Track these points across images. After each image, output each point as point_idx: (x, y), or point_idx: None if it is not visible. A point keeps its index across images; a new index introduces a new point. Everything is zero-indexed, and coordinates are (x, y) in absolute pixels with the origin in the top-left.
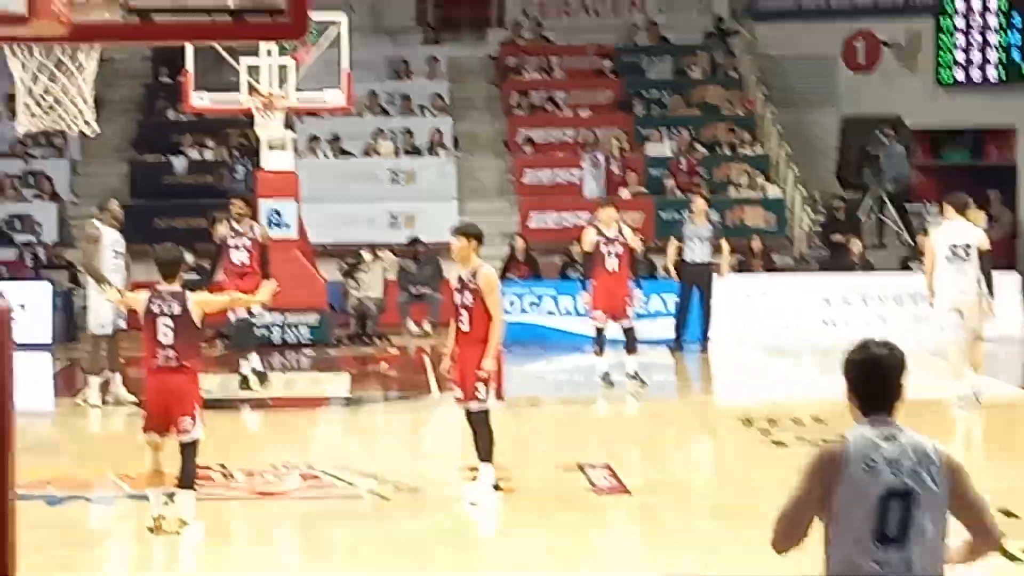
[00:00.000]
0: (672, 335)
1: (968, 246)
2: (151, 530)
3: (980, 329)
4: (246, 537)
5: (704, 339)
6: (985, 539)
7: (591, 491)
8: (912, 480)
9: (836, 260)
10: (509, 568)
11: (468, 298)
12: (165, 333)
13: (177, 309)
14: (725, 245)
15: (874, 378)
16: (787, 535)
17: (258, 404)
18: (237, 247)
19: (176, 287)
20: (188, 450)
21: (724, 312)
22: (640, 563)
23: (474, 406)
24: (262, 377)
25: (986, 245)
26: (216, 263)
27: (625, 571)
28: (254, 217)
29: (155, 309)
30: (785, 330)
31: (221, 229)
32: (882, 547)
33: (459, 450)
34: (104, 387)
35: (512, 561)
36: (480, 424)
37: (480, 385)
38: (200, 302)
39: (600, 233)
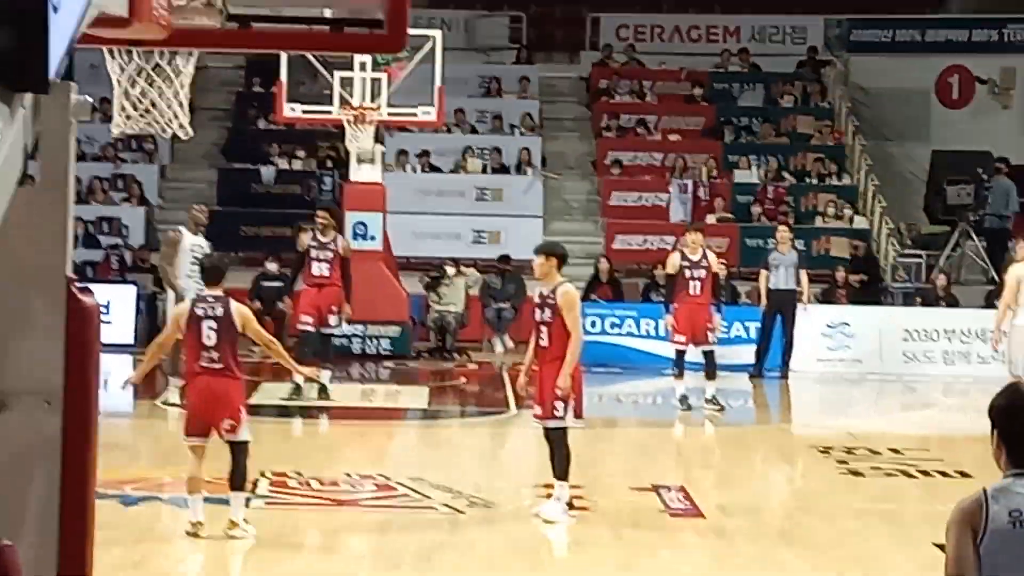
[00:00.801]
0: (752, 361)
1: None
2: (190, 535)
3: None
4: (317, 543)
5: (784, 366)
6: None
7: (665, 513)
8: None
9: (920, 293)
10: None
11: (547, 314)
12: (208, 336)
13: (220, 312)
14: (804, 275)
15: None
16: None
17: (337, 414)
18: (319, 259)
19: (219, 292)
20: (238, 451)
21: (806, 341)
22: None
23: (551, 423)
24: (323, 392)
25: None
26: (296, 272)
27: None
28: (339, 229)
29: (199, 312)
30: (866, 361)
31: (304, 238)
32: None
33: (534, 467)
34: (184, 390)
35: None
36: (557, 442)
37: (558, 403)
38: (245, 315)
39: (685, 257)
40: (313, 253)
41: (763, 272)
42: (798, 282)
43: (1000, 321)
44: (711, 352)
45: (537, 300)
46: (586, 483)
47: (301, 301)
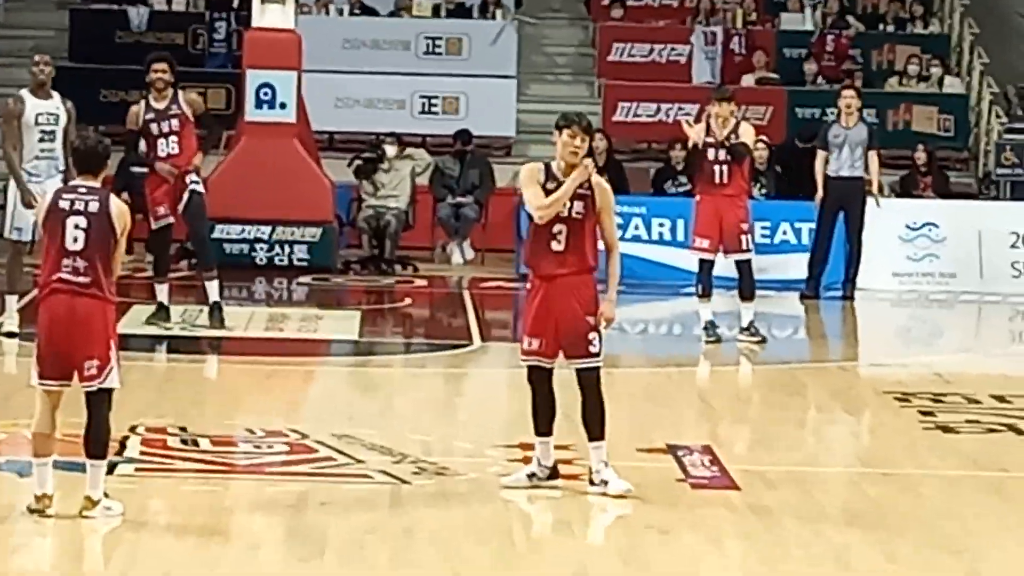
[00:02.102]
0: (805, 276)
1: None
2: (32, 511)
3: None
4: (207, 525)
5: (850, 283)
6: None
7: (684, 482)
8: None
9: None
10: None
11: (577, 209)
12: (75, 237)
13: (95, 207)
14: (875, 158)
15: None
16: None
17: (233, 348)
18: (161, 132)
19: (95, 183)
20: (98, 403)
21: (878, 248)
22: None
23: (584, 363)
24: (215, 314)
25: None
26: (131, 159)
27: None
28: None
29: (64, 205)
30: (961, 276)
31: (135, 110)
32: None
33: (504, 420)
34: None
35: (567, 572)
36: (592, 388)
37: (594, 335)
38: (127, 218)
39: (710, 132)
40: (152, 128)
41: (820, 153)
42: (867, 168)
43: None
44: (747, 263)
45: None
46: (577, 441)
47: (152, 191)
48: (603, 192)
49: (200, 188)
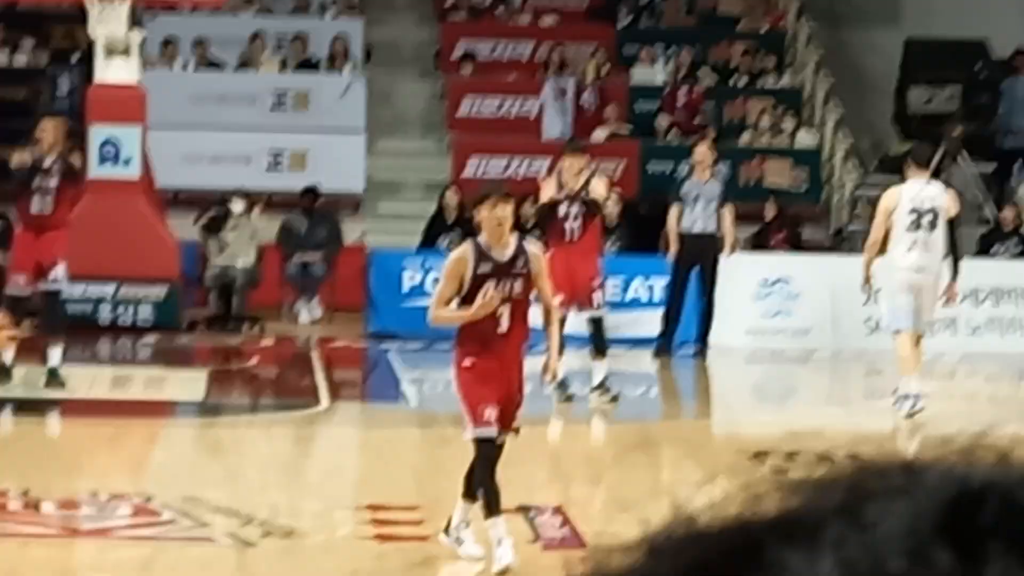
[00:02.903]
0: (658, 333)
1: (932, 213)
2: None
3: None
4: None
5: (702, 341)
6: None
7: (535, 544)
8: None
9: None
10: None
11: (517, 290)
12: None
13: None
14: (729, 213)
15: None
16: None
17: (76, 409)
18: (39, 188)
19: None
20: None
21: (731, 305)
22: None
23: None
24: (52, 378)
25: (955, 210)
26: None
27: None
28: (70, 145)
29: None
30: (814, 332)
31: (17, 158)
32: None
33: (352, 481)
34: None
35: None
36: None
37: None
38: None
39: (562, 188)
40: (35, 182)
41: (673, 208)
42: (720, 224)
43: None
44: (599, 320)
45: (487, 269)
46: (425, 503)
47: (14, 251)
48: (536, 260)
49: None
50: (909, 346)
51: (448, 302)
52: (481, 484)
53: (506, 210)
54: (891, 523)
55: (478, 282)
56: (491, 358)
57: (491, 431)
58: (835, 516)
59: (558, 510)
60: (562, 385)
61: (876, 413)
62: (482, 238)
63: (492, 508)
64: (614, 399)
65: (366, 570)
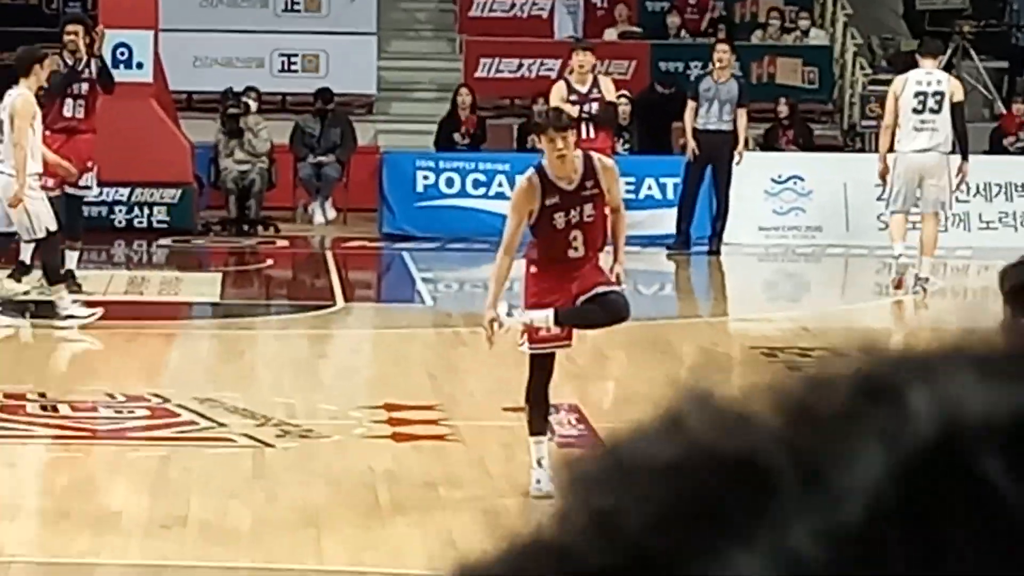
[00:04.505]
0: (673, 231)
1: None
2: None
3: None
4: (68, 491)
5: (716, 238)
6: None
7: (549, 442)
8: None
9: None
10: (424, 543)
11: (588, 212)
12: None
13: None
14: (743, 115)
15: None
16: None
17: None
18: (71, 93)
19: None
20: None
21: (744, 202)
22: None
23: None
24: (57, 279)
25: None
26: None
27: None
28: (93, 51)
29: None
30: (827, 229)
31: (49, 63)
32: None
33: (368, 382)
34: None
35: (429, 535)
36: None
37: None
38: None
39: (571, 88)
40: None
41: (690, 104)
42: (736, 124)
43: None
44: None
45: (554, 198)
46: (442, 401)
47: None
48: (607, 173)
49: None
50: (901, 225)
51: (518, 232)
52: (530, 399)
53: (566, 141)
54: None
55: (547, 213)
56: (562, 279)
57: (544, 348)
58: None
59: (574, 408)
60: None
61: (888, 312)
62: (547, 164)
63: (535, 426)
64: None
65: (382, 469)
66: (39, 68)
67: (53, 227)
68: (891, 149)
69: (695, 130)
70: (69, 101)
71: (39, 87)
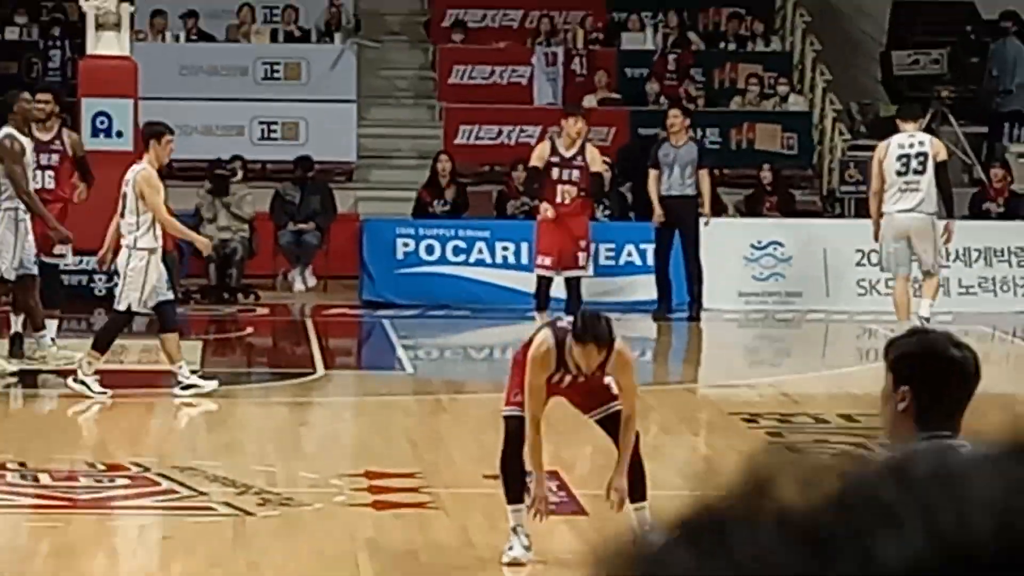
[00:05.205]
0: (655, 297)
1: (922, 156)
2: None
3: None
4: (48, 563)
5: (694, 303)
6: None
7: (531, 509)
8: None
9: None
10: None
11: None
12: None
13: None
14: (705, 177)
15: (955, 386)
16: None
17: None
18: (39, 164)
19: None
20: None
21: (724, 268)
22: None
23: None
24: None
25: (943, 155)
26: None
27: None
28: (65, 121)
29: None
30: (808, 294)
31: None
32: None
33: (348, 449)
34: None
35: None
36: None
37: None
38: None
39: (555, 151)
40: (29, 157)
41: (652, 172)
42: (698, 185)
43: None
44: (577, 281)
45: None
46: (423, 469)
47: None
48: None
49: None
50: (903, 291)
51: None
52: (504, 467)
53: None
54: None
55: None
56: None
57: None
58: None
59: (553, 474)
60: None
61: (869, 378)
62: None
63: (512, 494)
64: None
65: (364, 537)
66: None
67: (136, 307)
68: (881, 214)
69: (661, 196)
70: (38, 173)
71: None
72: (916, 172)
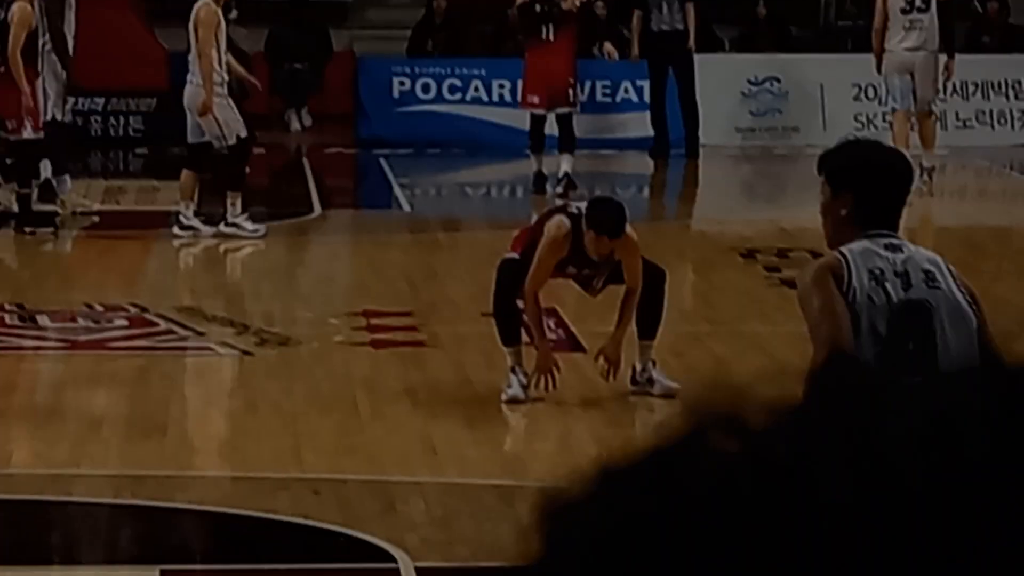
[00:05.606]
0: (651, 133)
1: None
2: None
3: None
4: (46, 402)
5: (692, 141)
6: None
7: (529, 346)
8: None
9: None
10: (404, 449)
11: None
12: None
13: None
14: (691, 9)
15: (891, 187)
16: (834, 339)
17: (70, 223)
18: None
19: None
20: None
21: (720, 104)
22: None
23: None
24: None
25: None
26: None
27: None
28: None
29: None
30: (804, 130)
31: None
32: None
33: (345, 288)
34: None
35: (409, 441)
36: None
37: None
38: None
39: None
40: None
41: (636, 12)
42: (687, 20)
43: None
44: (568, 117)
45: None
46: (418, 308)
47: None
48: (626, 250)
49: None
50: (903, 123)
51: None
52: (497, 308)
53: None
54: None
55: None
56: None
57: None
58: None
59: (551, 311)
60: (538, 178)
61: None
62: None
63: (507, 335)
64: (572, 189)
65: (361, 376)
66: None
67: (244, 133)
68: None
69: (652, 33)
70: None
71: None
72: (920, 10)
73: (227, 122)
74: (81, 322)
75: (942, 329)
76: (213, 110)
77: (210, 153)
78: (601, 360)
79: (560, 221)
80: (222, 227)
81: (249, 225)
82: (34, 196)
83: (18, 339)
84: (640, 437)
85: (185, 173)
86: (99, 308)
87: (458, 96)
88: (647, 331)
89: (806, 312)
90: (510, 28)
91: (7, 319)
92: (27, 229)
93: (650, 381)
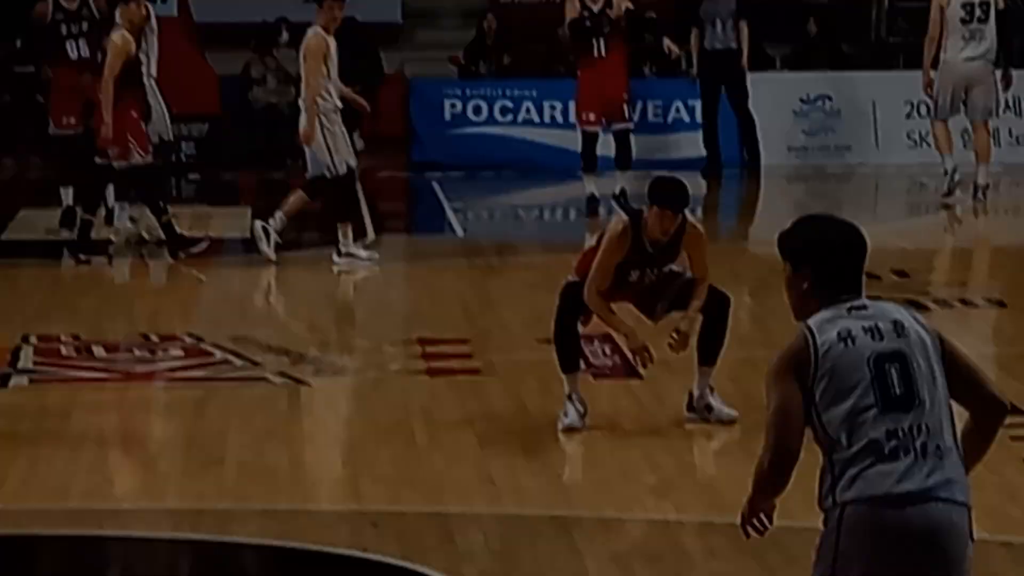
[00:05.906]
0: (703, 153)
1: (985, 4)
2: None
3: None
4: (103, 433)
5: (748, 157)
6: (991, 408)
7: (585, 373)
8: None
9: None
10: (462, 480)
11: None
12: None
13: None
14: (744, 28)
15: (846, 257)
16: (781, 443)
17: (123, 251)
18: (70, 33)
19: None
20: None
21: (773, 123)
22: (635, 469)
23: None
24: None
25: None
26: (40, 56)
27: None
28: None
29: None
30: (856, 148)
31: (39, 7)
32: (890, 413)
33: (403, 316)
34: None
35: (466, 472)
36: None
37: None
38: None
39: (585, 4)
40: (62, 27)
41: (694, 30)
42: (740, 39)
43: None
44: (626, 133)
45: None
46: (473, 335)
47: (55, 95)
48: (692, 241)
49: None
50: (944, 130)
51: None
52: (557, 334)
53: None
54: None
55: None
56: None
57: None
58: None
59: (606, 337)
60: (592, 200)
61: (920, 232)
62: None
63: (566, 362)
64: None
65: (418, 405)
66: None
67: (353, 162)
68: (935, 63)
69: (706, 51)
70: (69, 43)
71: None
72: (980, 20)
73: (338, 149)
74: (137, 353)
75: (919, 370)
76: (324, 138)
77: (323, 183)
78: (675, 335)
79: (618, 218)
80: (335, 258)
81: (363, 253)
82: (119, 223)
83: (76, 371)
84: (698, 465)
85: (298, 193)
86: (154, 338)
87: (509, 118)
88: (707, 357)
89: (767, 401)
90: (562, 47)
91: (64, 350)
92: (82, 257)
93: (708, 408)
